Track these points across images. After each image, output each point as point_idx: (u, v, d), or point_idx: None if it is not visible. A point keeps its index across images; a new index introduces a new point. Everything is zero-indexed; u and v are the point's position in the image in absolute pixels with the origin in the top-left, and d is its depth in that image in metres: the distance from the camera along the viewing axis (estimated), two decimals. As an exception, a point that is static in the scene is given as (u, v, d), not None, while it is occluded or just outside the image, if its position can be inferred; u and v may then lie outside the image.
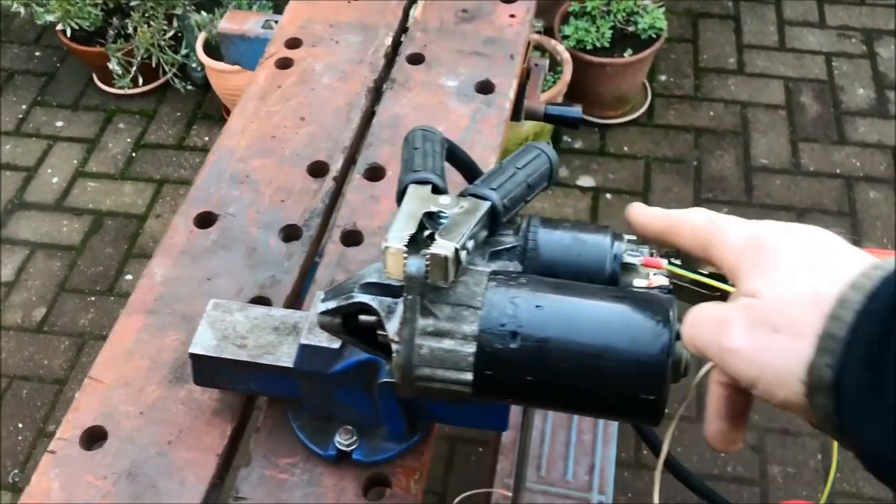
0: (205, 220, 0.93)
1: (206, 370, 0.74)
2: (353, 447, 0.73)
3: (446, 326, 0.54)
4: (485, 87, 1.06)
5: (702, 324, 0.51)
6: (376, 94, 1.07)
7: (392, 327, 0.55)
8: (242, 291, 0.86)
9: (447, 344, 0.54)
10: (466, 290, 0.55)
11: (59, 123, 2.80)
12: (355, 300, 0.56)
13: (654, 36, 2.55)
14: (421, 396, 0.58)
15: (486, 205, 0.58)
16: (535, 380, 0.54)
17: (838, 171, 2.55)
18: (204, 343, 0.72)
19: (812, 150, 2.61)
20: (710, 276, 0.61)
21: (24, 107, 2.85)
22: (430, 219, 0.57)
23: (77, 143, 2.74)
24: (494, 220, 0.59)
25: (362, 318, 0.58)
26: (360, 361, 0.67)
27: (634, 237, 0.62)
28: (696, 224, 0.56)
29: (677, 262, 0.62)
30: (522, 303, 0.54)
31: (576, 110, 1.17)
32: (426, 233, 0.56)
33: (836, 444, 0.70)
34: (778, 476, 1.92)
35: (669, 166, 2.57)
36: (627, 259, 0.60)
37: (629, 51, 2.53)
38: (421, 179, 0.60)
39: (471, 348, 0.54)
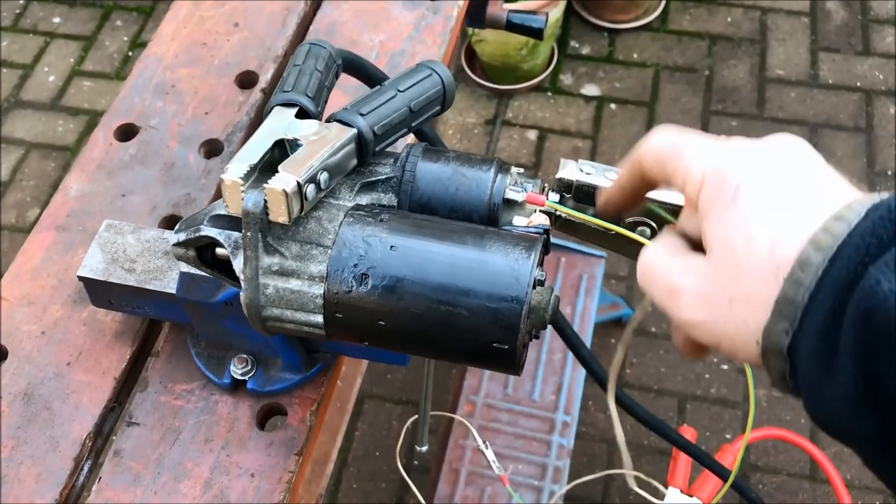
0: (125, 132, 0.89)
1: (99, 293, 0.71)
2: (248, 376, 0.70)
3: (293, 266, 0.50)
4: (434, -7, 0.99)
5: (655, 286, 0.48)
6: (318, -2, 1.00)
7: (238, 264, 0.51)
8: (156, 209, 0.83)
9: (294, 284, 0.50)
10: (318, 227, 0.51)
11: (57, 20, 2.74)
12: (202, 233, 0.52)
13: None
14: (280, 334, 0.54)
15: (350, 132, 0.53)
16: (388, 325, 0.50)
17: (858, 83, 2.42)
18: (92, 266, 0.70)
19: (833, 60, 2.47)
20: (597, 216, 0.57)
21: (21, 1, 2.79)
22: (284, 147, 0.52)
23: (73, 40, 2.69)
24: (364, 150, 0.54)
25: (219, 250, 0.54)
26: (242, 292, 0.63)
27: (522, 170, 0.57)
28: (657, 145, 0.50)
29: (567, 196, 0.57)
30: (376, 242, 0.50)
31: (539, 18, 1.09)
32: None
33: (750, 383, 0.67)
34: (762, 399, 1.89)
35: (679, 75, 2.46)
36: (510, 195, 0.56)
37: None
38: (287, 101, 0.55)
39: (318, 290, 0.50)
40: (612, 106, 2.41)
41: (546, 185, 0.59)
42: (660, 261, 0.47)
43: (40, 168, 2.41)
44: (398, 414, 1.94)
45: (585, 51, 2.54)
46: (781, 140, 0.47)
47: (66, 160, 2.42)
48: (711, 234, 0.45)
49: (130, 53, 2.65)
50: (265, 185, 0.48)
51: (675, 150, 0.48)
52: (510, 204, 0.56)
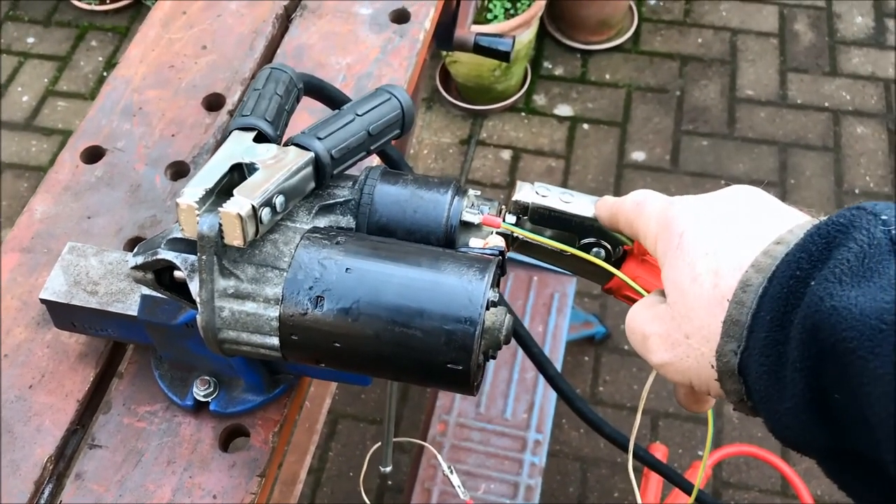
0: (92, 154, 0.89)
1: (62, 315, 0.71)
2: (210, 397, 0.71)
3: (248, 288, 0.51)
4: (400, 16, 1.00)
5: (633, 337, 0.51)
6: (286, 21, 1.01)
7: (194, 287, 0.52)
8: (122, 231, 0.83)
9: (249, 307, 0.51)
10: (274, 250, 0.51)
11: (31, 40, 2.74)
12: (159, 257, 0.53)
13: (641, -43, 2.43)
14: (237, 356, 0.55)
15: (307, 156, 0.54)
16: (343, 346, 0.51)
17: (826, 104, 2.46)
18: (55, 288, 0.70)
19: (801, 80, 2.51)
20: (553, 237, 0.58)
21: (-5, 21, 2.79)
22: (242, 171, 0.53)
23: (48, 60, 2.68)
24: (321, 173, 0.55)
25: (177, 273, 0.55)
26: (203, 314, 0.64)
27: (479, 192, 0.58)
28: (627, 208, 0.54)
29: (524, 218, 0.58)
30: (331, 265, 0.50)
31: (506, 41, 1.11)
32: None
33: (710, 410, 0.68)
34: (734, 417, 1.91)
35: (651, 96, 2.49)
36: (466, 217, 0.57)
37: (614, -27, 2.42)
38: (245, 125, 0.56)
39: (274, 312, 0.51)
40: (585, 126, 2.43)
41: (503, 207, 0.60)
42: (637, 315, 0.51)
43: (13, 188, 2.40)
44: (372, 434, 1.93)
45: (559, 72, 2.57)
46: (731, 188, 0.50)
47: (39, 180, 2.41)
48: (665, 281, 0.48)
49: (105, 74, 2.64)
50: (220, 208, 0.49)
51: (637, 210, 0.52)
52: (467, 226, 0.57)
